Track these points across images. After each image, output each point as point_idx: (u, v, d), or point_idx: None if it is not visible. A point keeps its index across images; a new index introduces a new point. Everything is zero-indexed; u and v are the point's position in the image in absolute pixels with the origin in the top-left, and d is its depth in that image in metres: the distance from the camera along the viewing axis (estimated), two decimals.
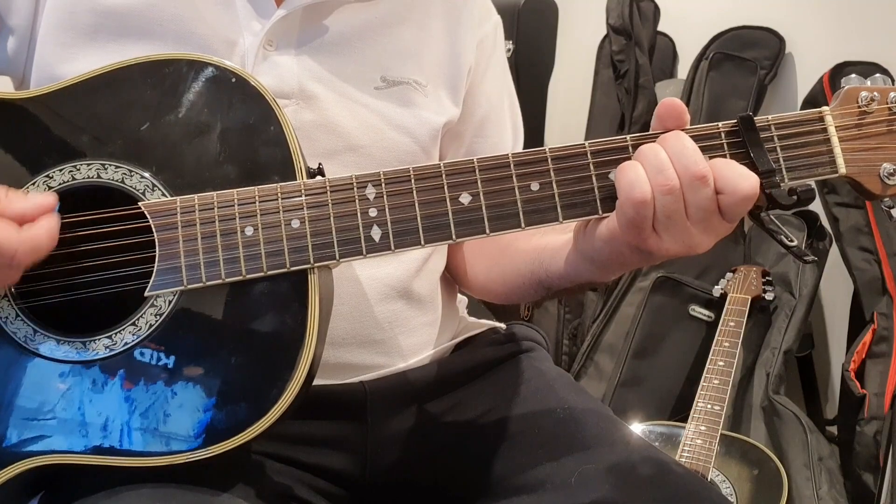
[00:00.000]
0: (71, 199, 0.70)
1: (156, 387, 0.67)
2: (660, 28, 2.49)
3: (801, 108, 2.04)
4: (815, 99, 1.97)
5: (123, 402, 0.67)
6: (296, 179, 0.69)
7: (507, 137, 1.02)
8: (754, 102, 2.19)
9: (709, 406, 1.62)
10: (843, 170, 0.69)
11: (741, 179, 0.65)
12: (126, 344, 0.68)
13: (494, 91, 1.00)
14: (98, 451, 0.67)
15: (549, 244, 0.82)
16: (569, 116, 2.70)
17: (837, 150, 0.69)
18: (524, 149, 0.77)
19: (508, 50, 2.28)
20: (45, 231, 0.65)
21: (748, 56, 2.22)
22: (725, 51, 2.25)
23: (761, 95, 2.22)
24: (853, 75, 0.70)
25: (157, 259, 0.68)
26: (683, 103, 0.68)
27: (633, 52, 2.35)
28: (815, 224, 1.97)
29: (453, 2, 0.95)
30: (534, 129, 2.37)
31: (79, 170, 0.71)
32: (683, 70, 2.45)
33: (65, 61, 0.79)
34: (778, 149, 0.68)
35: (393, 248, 0.68)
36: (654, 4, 2.46)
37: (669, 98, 0.69)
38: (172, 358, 0.67)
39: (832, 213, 1.91)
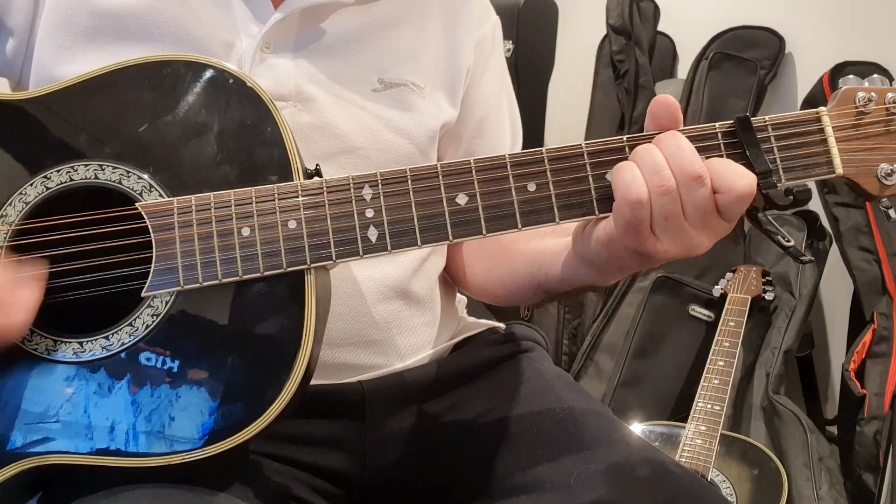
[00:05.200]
0: (68, 200, 0.70)
1: (152, 387, 0.67)
2: (660, 28, 2.48)
3: (801, 109, 2.05)
4: (815, 99, 1.97)
5: (120, 403, 0.67)
6: (293, 180, 0.69)
7: (505, 138, 1.02)
8: (754, 102, 2.19)
9: (709, 406, 1.62)
10: (840, 170, 0.69)
11: (738, 178, 0.65)
12: (123, 344, 0.68)
13: (493, 92, 1.00)
14: (93, 450, 0.66)
15: (548, 248, 0.81)
16: (569, 116, 2.69)
17: (834, 151, 0.69)
18: (523, 149, 0.77)
19: (508, 50, 2.28)
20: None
21: (748, 56, 2.22)
22: (725, 51, 2.25)
23: (761, 95, 2.22)
24: (851, 76, 0.70)
25: (153, 259, 0.68)
26: (676, 100, 0.68)
27: (633, 52, 2.34)
28: (815, 224, 1.97)
29: (451, 3, 0.94)
30: (534, 129, 2.37)
31: (76, 170, 0.71)
32: (683, 70, 2.45)
33: (63, 63, 0.79)
34: (775, 149, 0.68)
35: (390, 248, 0.68)
36: (654, 4, 2.45)
37: (662, 95, 0.69)
38: (169, 358, 0.67)
39: (832, 213, 1.91)
